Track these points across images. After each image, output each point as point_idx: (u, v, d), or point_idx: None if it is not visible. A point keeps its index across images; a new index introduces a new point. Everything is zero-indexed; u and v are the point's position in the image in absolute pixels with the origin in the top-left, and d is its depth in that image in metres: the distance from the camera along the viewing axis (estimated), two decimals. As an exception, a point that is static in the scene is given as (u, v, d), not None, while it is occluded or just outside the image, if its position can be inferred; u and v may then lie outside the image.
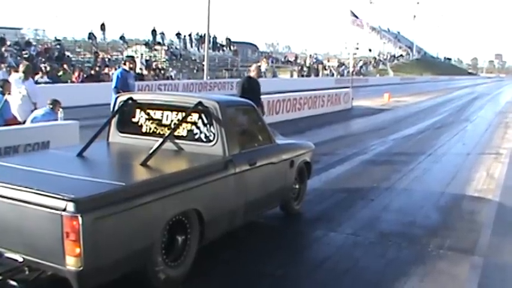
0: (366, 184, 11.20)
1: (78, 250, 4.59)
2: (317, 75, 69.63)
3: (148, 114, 7.28)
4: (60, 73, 33.66)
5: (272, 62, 69.56)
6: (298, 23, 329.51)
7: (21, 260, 5.03)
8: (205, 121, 6.84)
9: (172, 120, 7.06)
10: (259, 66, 15.44)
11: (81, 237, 4.57)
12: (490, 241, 7.89)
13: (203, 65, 42.11)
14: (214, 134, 6.74)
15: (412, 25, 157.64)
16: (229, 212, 6.67)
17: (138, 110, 7.36)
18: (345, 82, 51.55)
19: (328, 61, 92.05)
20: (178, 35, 59.56)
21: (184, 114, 6.85)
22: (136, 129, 7.31)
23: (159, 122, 7.18)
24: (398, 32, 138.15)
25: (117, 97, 7.74)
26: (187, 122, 6.91)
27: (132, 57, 14.48)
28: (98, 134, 7.00)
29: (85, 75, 34.12)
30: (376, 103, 34.88)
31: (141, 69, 40.79)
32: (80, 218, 4.55)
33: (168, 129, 6.87)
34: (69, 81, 32.78)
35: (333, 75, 72.62)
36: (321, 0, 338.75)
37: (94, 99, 23.33)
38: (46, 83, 28.76)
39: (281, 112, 22.87)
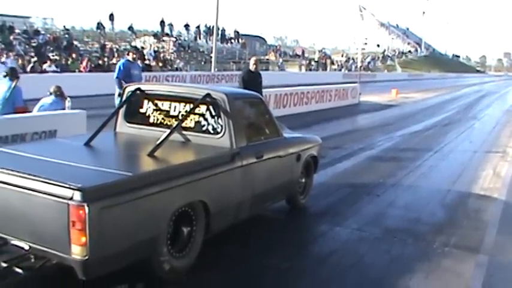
0: (372, 180, 11.19)
1: (83, 239, 4.59)
2: (325, 69, 69.55)
3: (156, 105, 7.27)
4: (69, 62, 33.70)
5: (280, 55, 69.49)
6: (307, 17, 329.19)
7: (27, 248, 5.02)
8: (213, 113, 6.83)
9: (180, 112, 7.06)
10: (258, 59, 15.51)
11: (87, 227, 4.56)
12: (496, 240, 7.87)
13: (211, 57, 42.17)
14: (221, 126, 6.73)
15: (421, 21, 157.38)
16: (235, 205, 6.66)
17: (146, 101, 7.36)
18: (352, 77, 51.47)
19: (342, 55, 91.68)
20: (186, 26, 59.61)
21: (192, 105, 6.84)
22: (143, 119, 7.31)
23: (166, 113, 7.17)
24: (407, 28, 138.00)
25: (125, 88, 7.73)
26: (195, 114, 6.90)
27: (136, 47, 14.49)
28: (105, 124, 7.03)
29: (93, 65, 34.17)
30: (383, 99, 34.82)
31: (149, 60, 40.83)
32: (86, 207, 4.54)
33: (176, 120, 6.89)
34: (77, 70, 32.82)
35: (340, 70, 72.48)
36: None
37: (101, 89, 23.23)
38: (54, 72, 28.83)
39: (288, 106, 22.87)
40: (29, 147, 6.78)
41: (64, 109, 11.21)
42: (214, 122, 6.81)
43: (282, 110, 21.64)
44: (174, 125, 6.61)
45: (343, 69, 72.77)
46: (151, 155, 5.97)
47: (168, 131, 6.42)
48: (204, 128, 6.87)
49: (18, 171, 5.00)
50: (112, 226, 4.85)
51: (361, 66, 55.14)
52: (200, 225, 6.11)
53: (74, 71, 32.11)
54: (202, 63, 50.11)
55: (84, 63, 33.96)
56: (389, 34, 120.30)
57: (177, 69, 42.62)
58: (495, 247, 7.56)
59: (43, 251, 4.94)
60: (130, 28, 54.68)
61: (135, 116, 7.42)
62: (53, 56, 34.27)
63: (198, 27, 60.23)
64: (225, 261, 6.51)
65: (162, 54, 46.66)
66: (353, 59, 78.88)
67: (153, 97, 7.32)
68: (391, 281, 6.32)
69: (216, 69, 40.40)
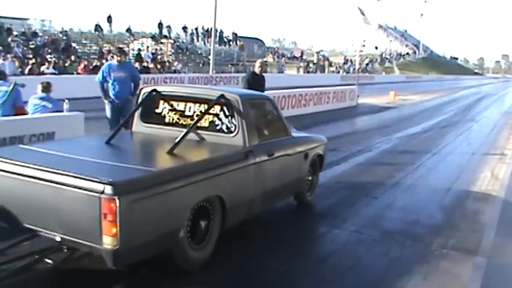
0: (370, 181, 11.20)
1: (114, 230, 4.89)
2: (323, 71, 69.58)
3: (171, 105, 7.60)
4: (67, 64, 33.69)
5: (278, 57, 69.50)
6: (305, 19, 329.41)
7: (59, 239, 5.33)
8: (227, 113, 7.15)
9: (194, 112, 7.39)
10: (265, 62, 15.50)
11: (117, 218, 4.87)
12: (494, 242, 7.88)
13: (209, 59, 42.08)
14: (235, 126, 7.06)
15: (419, 23, 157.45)
16: (248, 200, 6.97)
17: (161, 102, 7.69)
18: (350, 79, 51.53)
19: (345, 59, 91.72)
20: (184, 28, 59.54)
21: (206, 106, 7.17)
22: (159, 119, 7.64)
23: (182, 113, 7.50)
24: (405, 30, 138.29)
25: (141, 89, 8.03)
26: (209, 114, 7.19)
27: (121, 48, 14.07)
28: (123, 124, 7.60)
29: (91, 67, 34.14)
30: (381, 101, 34.88)
31: (147, 62, 40.82)
32: (117, 200, 4.85)
33: (191, 120, 7.24)
34: (74, 72, 32.80)
35: (338, 72, 72.55)
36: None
37: (100, 91, 23.31)
38: (52, 73, 28.79)
39: (286, 108, 22.83)
40: (53, 145, 7.07)
41: (62, 111, 11.20)
42: (228, 121, 7.13)
43: (280, 112, 21.57)
44: (191, 125, 6.91)
45: (341, 72, 72.82)
46: (170, 152, 6.28)
47: (185, 130, 6.72)
48: (218, 127, 7.19)
49: (50, 167, 5.26)
50: (139, 218, 5.15)
51: (359, 69, 55.20)
52: (216, 219, 6.43)
53: (72, 73, 32.09)
54: (201, 65, 50.08)
55: (82, 65, 33.94)
56: (387, 36, 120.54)
57: (175, 72, 42.61)
58: (493, 249, 7.57)
59: (74, 242, 5.24)
60: (128, 30, 54.61)
61: (150, 116, 7.74)
62: (51, 58, 34.23)
63: (196, 29, 60.25)
64: (223, 263, 6.51)
65: (160, 56, 46.67)
66: (351, 61, 78.99)
67: (168, 98, 7.64)
68: (389, 283, 6.32)
69: (214, 72, 40.34)
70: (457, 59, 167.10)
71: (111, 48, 44.69)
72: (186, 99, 7.53)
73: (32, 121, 10.40)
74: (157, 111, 7.70)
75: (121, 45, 44.17)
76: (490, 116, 29.75)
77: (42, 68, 30.12)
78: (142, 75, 33.55)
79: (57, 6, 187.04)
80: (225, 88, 8.10)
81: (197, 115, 7.23)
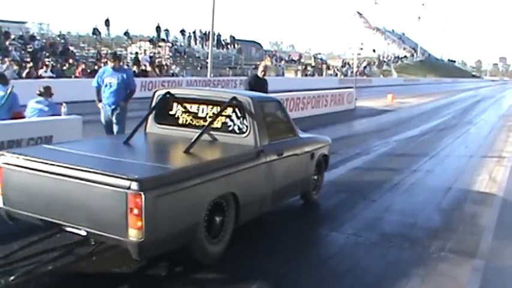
0: (368, 185, 11.22)
1: (140, 223, 5.21)
2: (321, 74, 69.64)
3: (185, 107, 7.95)
4: (65, 67, 33.67)
5: (276, 60, 69.55)
6: (303, 22, 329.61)
7: (84, 234, 5.69)
8: (239, 114, 7.50)
9: (207, 114, 7.75)
10: (266, 65, 15.48)
11: (143, 212, 5.19)
12: (492, 244, 7.89)
13: (207, 63, 42.08)
14: (247, 126, 7.42)
15: (416, 26, 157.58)
16: (260, 198, 7.34)
17: (175, 104, 8.05)
18: (348, 82, 51.57)
19: (343, 62, 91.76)
20: (182, 32, 59.48)
21: (218, 108, 7.56)
22: (173, 121, 8.00)
23: (195, 115, 7.85)
24: (403, 33, 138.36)
25: (155, 92, 8.33)
26: (222, 115, 7.53)
27: (115, 53, 13.92)
28: (140, 125, 7.85)
29: (89, 71, 34.13)
30: (379, 104, 34.90)
31: (144, 65, 40.82)
32: (142, 196, 5.17)
33: (204, 121, 7.64)
34: (72, 76, 32.78)
35: (336, 75, 72.60)
36: (327, 0, 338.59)
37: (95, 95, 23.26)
38: (50, 77, 28.78)
39: (284, 111, 22.79)
40: (74, 145, 7.34)
41: (60, 115, 11.20)
42: (240, 122, 7.49)
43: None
44: (206, 125, 7.32)
45: (339, 75, 72.86)
46: (187, 151, 6.64)
47: (198, 131, 7.15)
48: (230, 128, 7.54)
49: (79, 166, 5.60)
50: (162, 213, 5.45)
51: (357, 72, 55.16)
52: (231, 215, 6.76)
53: (70, 77, 32.06)
54: (198, 68, 50.04)
55: (80, 69, 33.93)
56: (385, 39, 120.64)
57: (173, 75, 42.60)
58: (491, 252, 7.58)
59: (101, 235, 5.56)
60: (126, 33, 54.65)
61: (164, 117, 8.07)
62: (48, 61, 34.23)
63: (193, 32, 60.21)
64: (222, 265, 6.51)
65: (158, 60, 46.67)
66: (349, 64, 79.02)
67: (182, 100, 8.00)
68: (387, 286, 6.32)
69: (212, 75, 40.40)
70: (454, 61, 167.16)
71: (109, 51, 44.74)
72: (199, 101, 7.88)
73: (30, 125, 10.41)
74: (171, 113, 8.05)
75: (117, 50, 44.33)
76: (488, 118, 29.81)
77: (40, 72, 30.12)
78: (140, 79, 33.89)
79: (55, 10, 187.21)
80: (235, 91, 8.57)
81: (210, 117, 7.61)
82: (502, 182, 12.36)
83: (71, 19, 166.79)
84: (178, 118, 7.99)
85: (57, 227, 5.97)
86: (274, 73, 58.49)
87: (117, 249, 6.22)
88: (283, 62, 70.46)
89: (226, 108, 7.48)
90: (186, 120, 7.91)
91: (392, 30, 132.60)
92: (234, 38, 66.03)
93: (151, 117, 8.15)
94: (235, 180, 6.71)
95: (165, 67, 44.77)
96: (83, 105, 15.15)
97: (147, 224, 5.23)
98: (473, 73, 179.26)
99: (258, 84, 12.38)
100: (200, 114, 7.81)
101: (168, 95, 8.04)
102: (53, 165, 5.71)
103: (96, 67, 35.11)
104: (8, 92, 10.65)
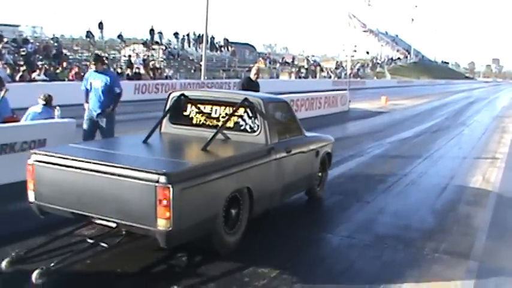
0: (361, 186, 11.24)
1: (168, 214, 5.69)
2: (315, 76, 69.68)
3: (198, 108, 8.42)
4: (59, 71, 33.60)
5: (270, 63, 69.54)
6: (296, 24, 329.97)
7: (114, 225, 6.22)
8: (250, 114, 8.00)
9: (220, 114, 8.22)
10: (259, 67, 15.46)
11: (171, 203, 5.66)
12: (485, 245, 7.91)
13: (201, 65, 42.14)
14: (258, 126, 7.91)
15: (410, 28, 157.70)
16: (271, 192, 7.84)
17: (189, 105, 8.50)
18: (342, 84, 51.57)
19: (337, 63, 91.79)
20: (176, 34, 59.53)
21: (230, 108, 8.07)
22: (187, 121, 8.45)
23: (208, 115, 8.32)
24: (396, 35, 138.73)
25: (169, 93, 8.74)
26: (234, 115, 8.00)
27: (97, 54, 13.42)
28: (157, 126, 8.29)
29: (82, 74, 34.01)
30: (373, 106, 34.96)
31: (138, 68, 40.79)
32: (170, 188, 5.65)
33: (217, 121, 8.14)
34: (66, 79, 32.70)
35: (330, 77, 72.67)
36: (319, 2, 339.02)
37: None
38: (43, 80, 28.71)
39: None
40: (99, 144, 8.11)
41: (53, 118, 11.18)
42: (252, 122, 7.99)
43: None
44: (221, 125, 7.82)
45: (332, 77, 72.92)
46: (205, 149, 7.11)
47: (211, 130, 7.73)
48: (242, 127, 8.03)
49: (110, 162, 6.11)
50: (188, 204, 5.95)
51: (350, 74, 55.26)
52: (245, 208, 7.26)
53: (63, 80, 31.98)
54: (192, 71, 50.06)
55: (73, 72, 33.86)
56: (378, 41, 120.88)
57: (166, 78, 42.59)
58: (485, 253, 7.61)
59: (130, 226, 6.03)
60: (120, 36, 54.70)
61: (179, 118, 8.51)
62: (42, 64, 34.15)
63: (187, 35, 60.23)
64: (216, 269, 6.51)
65: (151, 63, 46.62)
66: (342, 66, 79.09)
67: (196, 101, 8.47)
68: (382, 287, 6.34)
69: (205, 77, 40.40)
70: (448, 63, 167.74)
71: (103, 54, 44.70)
72: (212, 102, 8.37)
73: (24, 128, 10.40)
74: (185, 113, 8.50)
75: (110, 53, 44.25)
76: (481, 120, 29.89)
77: (34, 75, 30.03)
78: (133, 82, 33.87)
79: (48, 13, 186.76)
80: (245, 92, 9.21)
81: (222, 117, 8.11)
82: (495, 182, 12.40)
83: (65, 22, 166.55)
84: (192, 118, 8.42)
85: (87, 219, 6.52)
86: (268, 75, 58.53)
87: (139, 242, 6.64)
88: (278, 64, 70.39)
89: (238, 109, 7.95)
90: (200, 120, 8.35)
91: (386, 32, 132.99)
92: (227, 40, 66.02)
93: (166, 118, 8.56)
94: (250, 176, 7.21)
95: (159, 70, 44.75)
96: (76, 108, 15.09)
97: (174, 214, 5.69)
98: (467, 75, 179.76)
99: (250, 86, 12.35)
100: (213, 115, 8.27)
101: (182, 97, 8.51)
102: (85, 161, 6.18)
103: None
104: (0, 97, 10.63)
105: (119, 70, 38.51)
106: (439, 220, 9.23)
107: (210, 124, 8.18)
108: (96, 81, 11.21)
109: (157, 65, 46.90)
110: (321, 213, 9.29)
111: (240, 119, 8.05)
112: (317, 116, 25.95)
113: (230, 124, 7.99)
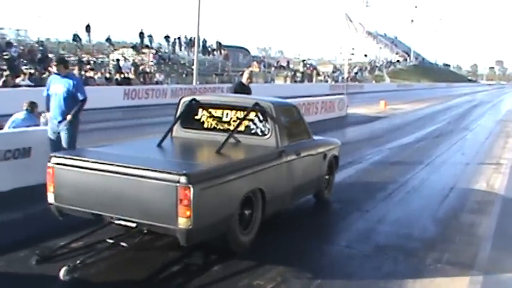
0: (360, 194, 11.23)
1: (188, 213, 6.11)
2: (311, 80, 69.76)
3: (210, 112, 8.88)
4: (44, 76, 33.47)
5: (264, 66, 69.57)
6: (292, 27, 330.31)
7: (134, 226, 6.62)
8: (261, 118, 8.48)
9: (231, 118, 8.70)
10: (252, 71, 15.47)
11: (191, 203, 6.09)
12: (490, 255, 7.89)
13: (192, 70, 42.12)
14: (268, 129, 8.41)
15: (409, 30, 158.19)
16: (282, 194, 8.29)
17: (200, 109, 8.96)
18: (339, 88, 51.71)
19: (336, 66, 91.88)
20: (167, 37, 59.55)
21: (241, 112, 8.56)
22: (198, 125, 8.91)
23: (219, 119, 8.79)
24: (396, 37, 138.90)
25: (181, 98, 9.27)
26: (246, 119, 8.46)
27: (61, 58, 12.95)
28: (170, 130, 8.70)
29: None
30: (371, 110, 34.99)
31: (127, 73, 40.76)
32: (191, 188, 6.08)
33: (228, 125, 8.63)
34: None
35: (327, 81, 72.76)
36: (315, 4, 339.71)
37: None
38: (28, 86, 28.54)
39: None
40: (116, 148, 8.31)
41: (38, 125, 11.14)
42: (262, 125, 8.47)
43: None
44: (233, 129, 8.28)
45: (329, 81, 73.01)
46: (219, 152, 7.59)
47: (222, 134, 8.25)
48: (253, 131, 8.52)
49: (132, 164, 6.48)
50: (206, 204, 6.38)
51: (348, 77, 55.38)
52: (258, 209, 7.69)
53: (49, 85, 31.82)
54: (184, 76, 50.09)
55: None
56: (377, 43, 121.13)
57: (157, 83, 42.57)
58: (489, 263, 7.58)
59: (151, 225, 6.48)
60: (108, 40, 54.54)
61: (190, 122, 8.96)
62: (26, 69, 34.06)
63: (178, 38, 60.21)
64: (210, 282, 6.50)
65: (141, 67, 46.58)
66: (340, 69, 79.22)
67: (207, 106, 8.97)
68: (383, 300, 6.31)
69: (198, 82, 40.39)
70: (449, 65, 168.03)
71: (90, 58, 44.61)
72: (223, 107, 8.84)
73: (8, 136, 10.35)
74: (196, 117, 8.95)
75: (98, 57, 44.12)
76: (485, 124, 29.94)
77: (18, 80, 29.90)
78: (122, 87, 33.84)
79: (33, 16, 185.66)
80: (255, 97, 9.62)
81: (234, 121, 8.60)
82: (500, 189, 12.40)
83: (50, 25, 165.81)
84: (203, 122, 8.90)
85: (107, 220, 7.02)
86: (263, 80, 58.54)
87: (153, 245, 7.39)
88: (273, 68, 70.43)
89: (249, 113, 8.43)
90: (211, 124, 8.82)
91: (385, 34, 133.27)
92: (220, 43, 66.03)
93: (177, 123, 8.95)
94: (263, 177, 7.67)
95: (149, 74, 44.71)
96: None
97: (194, 213, 6.11)
98: (469, 77, 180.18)
99: (243, 91, 12.35)
100: (224, 119, 8.74)
101: (193, 101, 8.96)
102: (107, 164, 6.58)
103: (76, 75, 34.89)
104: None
105: (107, 75, 38.50)
106: (442, 229, 9.21)
107: (221, 128, 8.66)
108: (58, 86, 10.47)
109: (148, 70, 46.96)
110: (318, 223, 9.24)
111: (250, 123, 8.52)
112: (314, 121, 25.86)
113: (241, 128, 8.44)
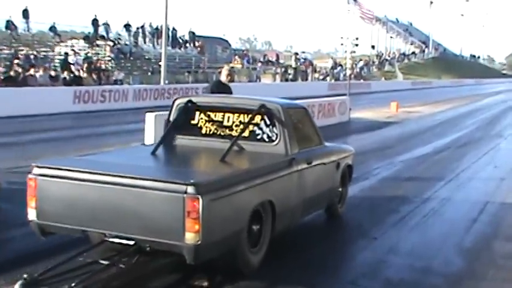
0: (367, 219, 11.23)
1: (197, 227, 6.38)
2: (306, 79, 69.87)
3: (208, 116, 9.23)
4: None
5: (248, 62, 69.56)
6: (281, 14, 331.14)
7: (132, 243, 6.79)
8: (268, 122, 8.83)
9: (233, 122, 9.04)
10: (232, 68, 15.48)
11: (200, 216, 6.35)
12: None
13: (160, 66, 42.08)
14: (276, 135, 8.77)
15: (427, 14, 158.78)
16: (292, 207, 8.68)
17: (197, 113, 9.31)
18: (340, 88, 51.84)
19: (336, 61, 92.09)
20: (127, 26, 59.33)
21: (245, 116, 8.92)
22: (195, 131, 9.25)
23: (219, 124, 9.12)
24: (410, 24, 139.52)
25: (174, 100, 9.66)
26: (250, 123, 8.81)
27: None
28: (165, 136, 9.05)
29: (2, 77, 33.68)
30: (380, 115, 35.23)
31: (78, 70, 40.60)
32: (200, 199, 6.34)
33: (229, 130, 8.98)
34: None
35: (325, 79, 72.96)
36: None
37: (14, 109, 22.75)
38: None
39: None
40: (107, 156, 8.87)
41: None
42: (269, 130, 8.82)
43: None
44: (237, 135, 8.62)
45: (328, 78, 73.23)
46: (223, 160, 7.94)
47: (224, 140, 8.65)
48: (258, 137, 8.88)
49: (131, 174, 6.76)
50: (215, 216, 6.68)
51: (351, 74, 55.44)
52: (268, 223, 8.06)
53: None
54: (149, 73, 50.14)
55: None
56: (387, 32, 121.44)
57: (116, 82, 42.42)
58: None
59: (153, 241, 6.68)
60: (53, 28, 54.05)
61: (185, 127, 9.32)
62: None
63: (142, 27, 60.04)
64: None
65: (96, 63, 46.38)
66: (341, 64, 79.40)
67: (205, 109, 9.31)
68: None
69: (166, 82, 40.31)
70: (478, 57, 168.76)
71: (30, 52, 44.23)
72: (224, 109, 9.18)
73: None
74: (193, 122, 9.29)
75: (41, 50, 43.78)
76: (523, 130, 29.99)
77: None
78: (72, 88, 33.68)
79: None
80: (262, 98, 9.72)
81: (236, 125, 8.96)
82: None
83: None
84: (201, 128, 9.24)
85: (96, 238, 7.25)
86: (247, 78, 58.59)
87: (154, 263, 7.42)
88: (259, 64, 70.52)
89: (255, 116, 8.77)
90: (210, 130, 9.16)
91: (397, 20, 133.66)
92: (194, 34, 66.10)
93: (171, 128, 9.30)
94: (272, 188, 8.03)
95: (106, 72, 44.56)
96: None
97: (203, 227, 6.39)
98: (504, 71, 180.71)
99: (221, 91, 12.31)
100: (225, 123, 9.07)
101: (189, 104, 9.31)
102: (100, 174, 6.81)
103: (12, 73, 34.61)
104: None
105: (52, 73, 38.23)
106: (469, 262, 9.17)
107: (222, 134, 9.03)
108: None
109: (104, 66, 46.77)
110: (317, 252, 9.17)
111: (256, 128, 8.87)
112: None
113: (245, 133, 8.78)
